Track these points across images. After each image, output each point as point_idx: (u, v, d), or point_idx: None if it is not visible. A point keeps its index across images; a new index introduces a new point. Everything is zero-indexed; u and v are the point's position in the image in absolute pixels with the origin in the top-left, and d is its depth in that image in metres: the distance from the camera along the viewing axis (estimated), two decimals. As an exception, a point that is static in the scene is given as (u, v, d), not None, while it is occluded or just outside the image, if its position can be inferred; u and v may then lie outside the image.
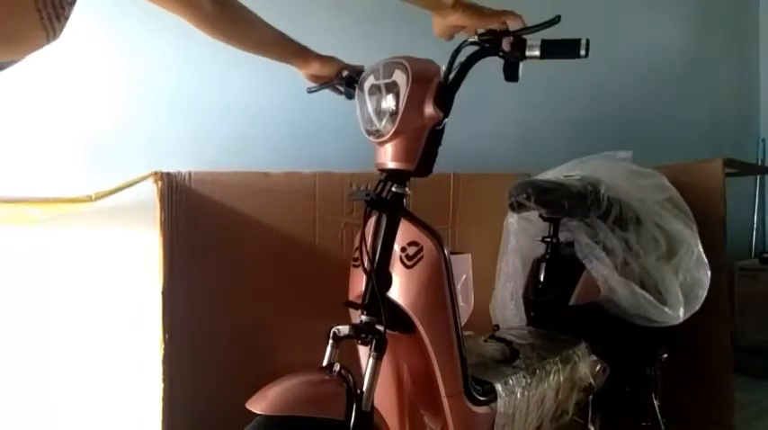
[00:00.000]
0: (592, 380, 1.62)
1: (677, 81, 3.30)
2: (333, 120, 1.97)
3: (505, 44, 1.19)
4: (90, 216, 1.73)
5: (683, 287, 1.76)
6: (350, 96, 1.33)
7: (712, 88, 3.56)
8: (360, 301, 1.21)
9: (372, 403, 1.10)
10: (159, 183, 1.68)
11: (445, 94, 1.19)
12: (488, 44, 1.21)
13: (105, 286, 1.80)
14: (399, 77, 1.17)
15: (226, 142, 1.98)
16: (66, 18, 0.75)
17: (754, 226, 3.68)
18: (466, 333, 1.32)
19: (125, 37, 1.87)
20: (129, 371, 1.79)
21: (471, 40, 1.23)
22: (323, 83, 1.37)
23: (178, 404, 1.67)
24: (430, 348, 1.22)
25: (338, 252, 1.87)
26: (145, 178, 1.68)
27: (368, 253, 1.19)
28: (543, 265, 1.82)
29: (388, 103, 1.18)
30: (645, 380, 1.85)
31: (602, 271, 1.70)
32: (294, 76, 1.40)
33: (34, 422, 1.73)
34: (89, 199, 1.55)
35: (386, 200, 1.20)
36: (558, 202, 1.71)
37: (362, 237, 1.21)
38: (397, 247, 1.22)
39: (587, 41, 1.14)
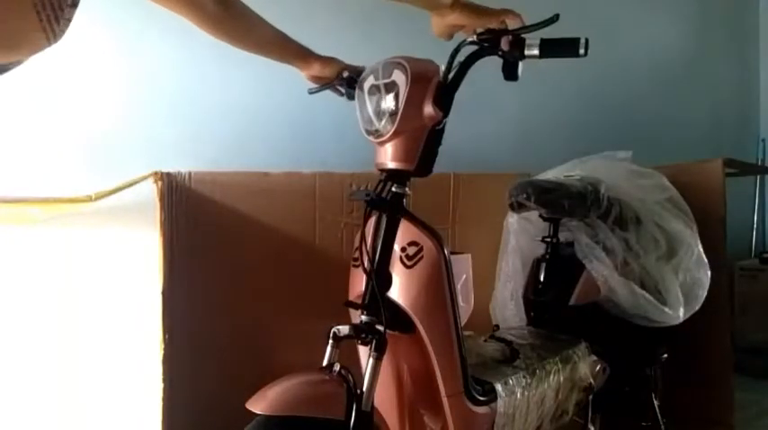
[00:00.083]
0: (592, 380, 1.62)
1: (677, 81, 3.29)
2: (333, 120, 1.98)
3: (504, 43, 1.18)
4: (90, 216, 1.73)
5: (683, 287, 1.76)
6: (351, 97, 1.32)
7: (712, 88, 3.56)
8: (360, 301, 1.21)
9: (372, 403, 1.10)
10: (159, 183, 1.68)
11: (444, 94, 1.19)
12: (487, 43, 1.20)
13: (105, 286, 1.80)
14: (399, 77, 1.17)
15: (226, 142, 1.99)
16: (68, 20, 0.74)
17: (754, 226, 3.68)
18: (466, 333, 1.32)
19: (125, 37, 1.87)
20: (129, 371, 1.79)
21: (470, 39, 1.23)
22: (324, 84, 1.37)
23: (178, 404, 1.67)
24: (430, 348, 1.22)
25: (338, 252, 1.87)
26: (145, 178, 1.68)
27: (368, 253, 1.19)
28: (543, 265, 1.82)
29: (388, 103, 1.18)
30: (645, 380, 1.85)
31: (602, 271, 1.70)
32: (294, 77, 1.40)
33: (34, 422, 1.73)
34: (89, 199, 1.54)
35: (386, 200, 1.20)
36: (558, 202, 1.71)
37: (362, 237, 1.21)
38: (397, 247, 1.22)
39: (586, 40, 1.14)
